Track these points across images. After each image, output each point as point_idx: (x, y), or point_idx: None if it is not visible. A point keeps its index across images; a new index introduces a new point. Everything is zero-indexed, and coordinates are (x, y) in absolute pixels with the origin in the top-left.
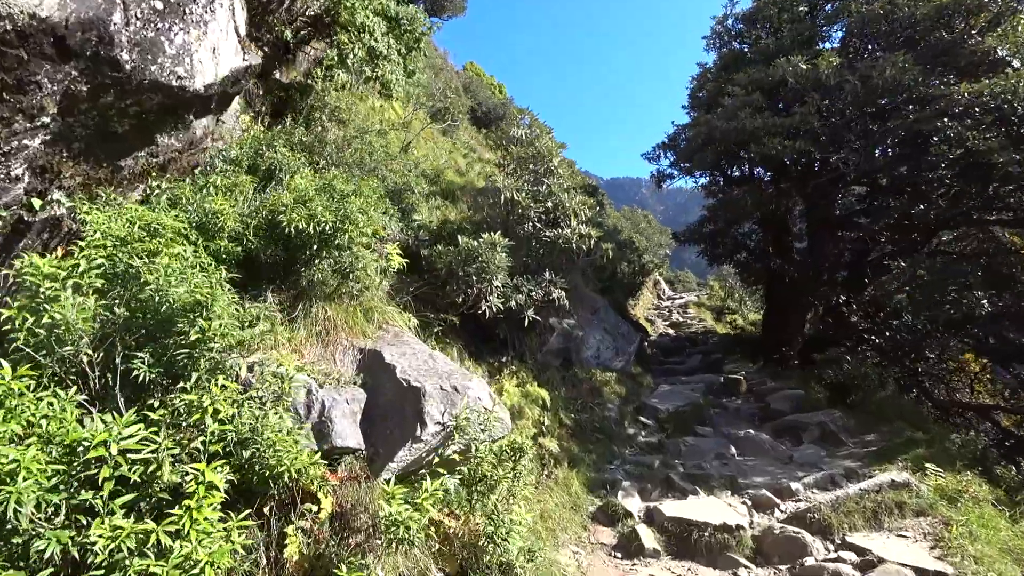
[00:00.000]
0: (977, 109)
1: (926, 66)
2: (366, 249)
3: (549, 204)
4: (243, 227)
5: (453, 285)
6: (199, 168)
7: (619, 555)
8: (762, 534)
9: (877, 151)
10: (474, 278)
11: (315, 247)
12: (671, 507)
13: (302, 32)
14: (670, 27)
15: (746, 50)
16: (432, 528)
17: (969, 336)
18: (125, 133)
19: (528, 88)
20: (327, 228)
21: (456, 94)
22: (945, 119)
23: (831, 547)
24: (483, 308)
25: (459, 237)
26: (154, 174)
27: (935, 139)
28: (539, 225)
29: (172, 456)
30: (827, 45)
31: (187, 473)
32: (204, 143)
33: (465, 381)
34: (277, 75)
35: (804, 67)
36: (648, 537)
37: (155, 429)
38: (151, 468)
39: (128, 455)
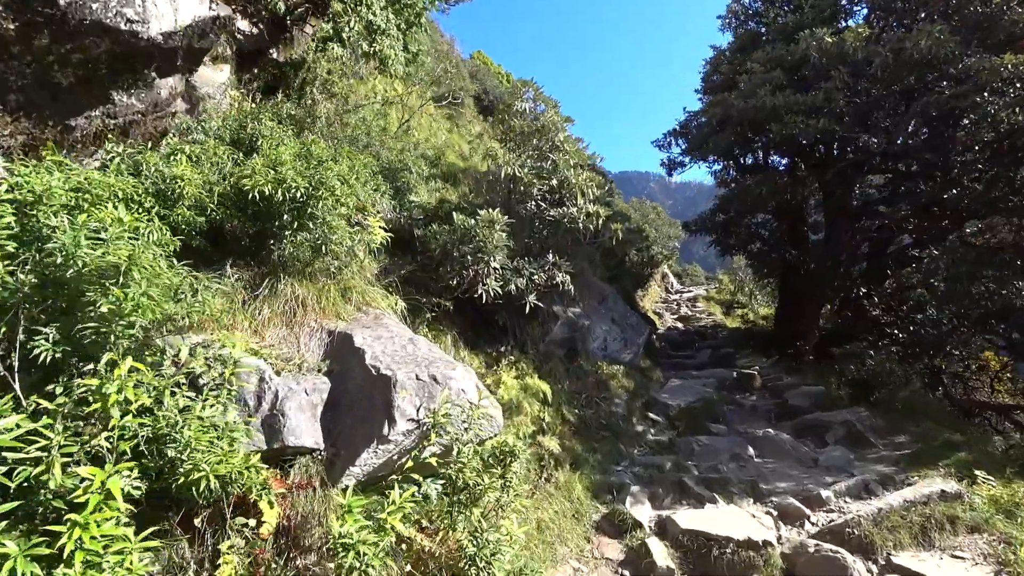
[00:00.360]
0: (1019, 83)
1: (963, 38)
2: (346, 222)
3: (554, 182)
4: (207, 194)
5: (447, 267)
6: (170, 135)
7: (627, 573)
8: (793, 552)
9: (909, 127)
10: (469, 259)
11: (286, 217)
12: (686, 517)
13: (299, 9)
14: (673, 14)
15: (763, 31)
16: (402, 547)
17: (994, 332)
18: (72, 87)
19: (533, 76)
20: (298, 195)
21: (461, 79)
22: (985, 94)
23: (875, 569)
24: (479, 292)
25: (454, 215)
26: (111, 137)
27: (972, 117)
28: (543, 204)
29: (67, 456)
30: (850, 22)
31: (83, 478)
32: (172, 106)
33: (448, 370)
34: (273, 54)
35: (829, 40)
36: (660, 553)
37: (50, 421)
38: (38, 470)
39: (6, 453)
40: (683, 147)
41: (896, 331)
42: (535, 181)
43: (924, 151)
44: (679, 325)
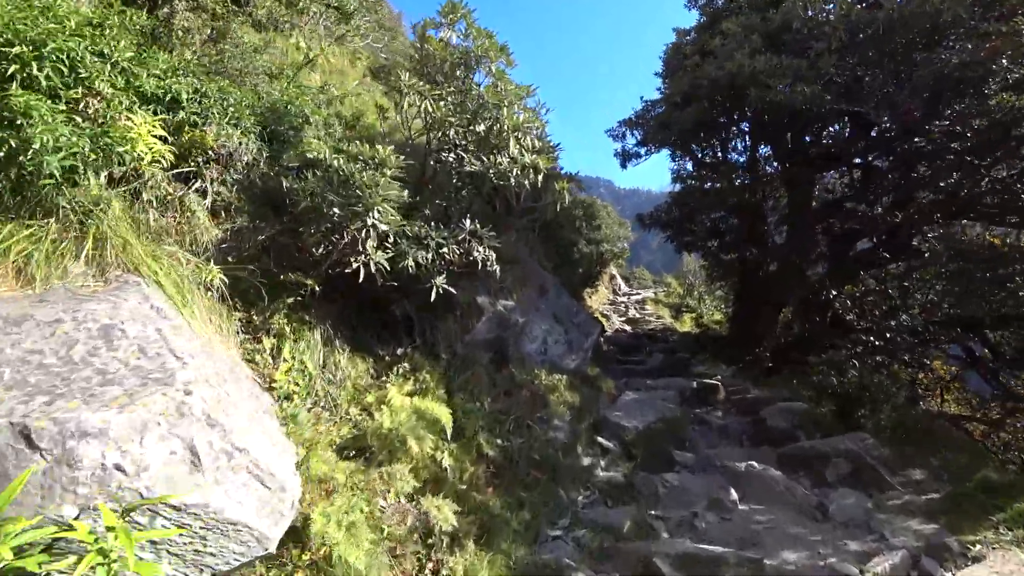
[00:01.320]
0: None
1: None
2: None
3: (481, 127)
4: None
5: (311, 228)
6: None
7: None
8: None
9: (906, 99)
10: (337, 213)
11: None
12: None
13: None
14: (631, 24)
15: (733, 4)
16: None
17: (958, 340)
18: None
19: None
20: None
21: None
22: (1004, 60)
23: None
24: (357, 265)
25: (330, 157)
26: None
27: (964, 103)
28: (465, 156)
29: None
30: None
31: None
32: None
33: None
34: None
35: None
36: None
37: None
38: None
39: None
40: (639, 137)
41: (872, 338)
42: (452, 120)
43: (913, 135)
44: (627, 328)
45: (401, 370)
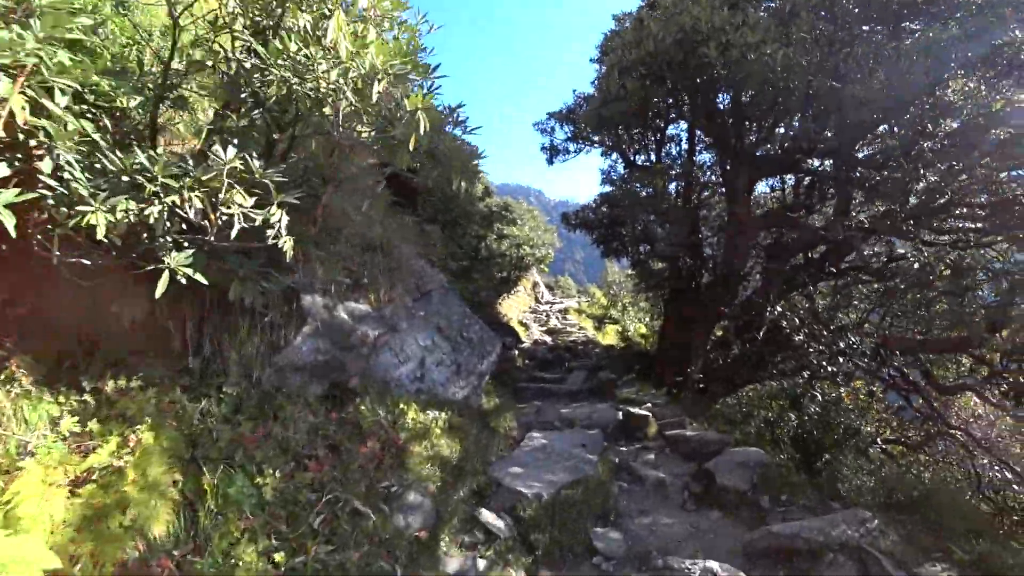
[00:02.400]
0: None
1: None
2: None
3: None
4: None
5: None
6: None
7: None
8: None
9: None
10: None
11: None
12: None
13: None
14: (564, 29)
15: None
16: None
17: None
18: None
19: None
20: None
21: None
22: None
23: None
24: None
25: None
26: None
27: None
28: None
29: None
30: None
31: None
32: None
33: None
34: None
35: None
36: None
37: None
38: None
39: None
40: (570, 132)
41: (825, 363)
42: None
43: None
44: (547, 339)
45: (116, 419)
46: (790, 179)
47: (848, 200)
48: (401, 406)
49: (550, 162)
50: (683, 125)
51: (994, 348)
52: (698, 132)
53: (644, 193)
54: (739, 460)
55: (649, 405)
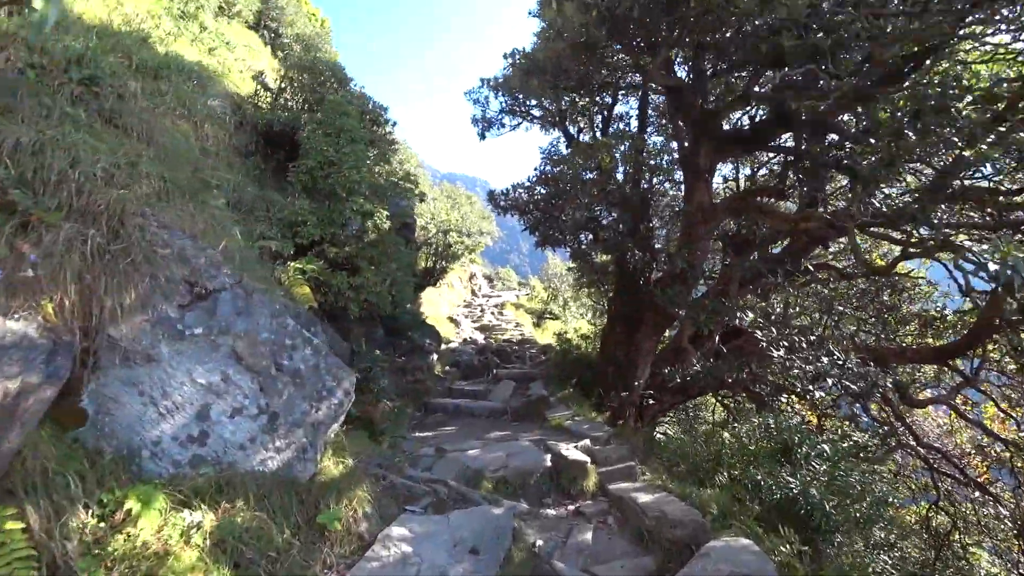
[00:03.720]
0: None
1: None
2: None
3: None
4: None
5: None
6: None
7: None
8: None
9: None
10: None
11: None
12: None
13: None
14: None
15: None
16: None
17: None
18: None
19: (368, 59)
20: None
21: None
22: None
23: None
24: None
25: None
26: None
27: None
28: None
29: None
30: None
31: None
32: None
33: None
34: None
35: None
36: None
37: None
38: None
39: None
40: (505, 103)
41: (810, 386)
42: None
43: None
44: (478, 337)
45: None
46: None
47: (823, 185)
48: (132, 502)
49: (482, 136)
50: (632, 103)
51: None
52: (649, 107)
53: (587, 175)
54: (726, 561)
55: (588, 442)
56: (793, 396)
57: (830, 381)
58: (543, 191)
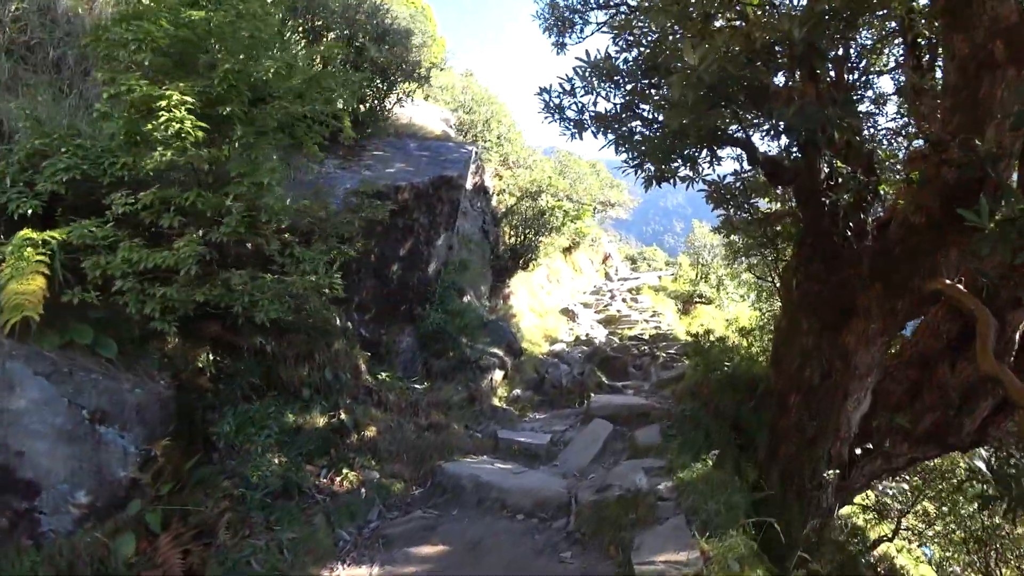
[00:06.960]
0: None
1: None
2: None
3: None
4: None
5: None
6: None
7: None
8: None
9: None
10: None
11: None
12: None
13: None
14: None
15: None
16: None
17: None
18: None
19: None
20: None
21: None
22: None
23: None
24: None
25: None
26: None
27: None
28: None
29: None
30: None
31: None
32: None
33: None
34: None
35: None
36: None
37: None
38: None
39: None
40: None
41: None
42: None
43: None
44: (598, 333)
45: None
46: None
47: None
48: None
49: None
50: None
51: None
52: None
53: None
54: None
55: None
56: None
57: None
58: (635, 56)
